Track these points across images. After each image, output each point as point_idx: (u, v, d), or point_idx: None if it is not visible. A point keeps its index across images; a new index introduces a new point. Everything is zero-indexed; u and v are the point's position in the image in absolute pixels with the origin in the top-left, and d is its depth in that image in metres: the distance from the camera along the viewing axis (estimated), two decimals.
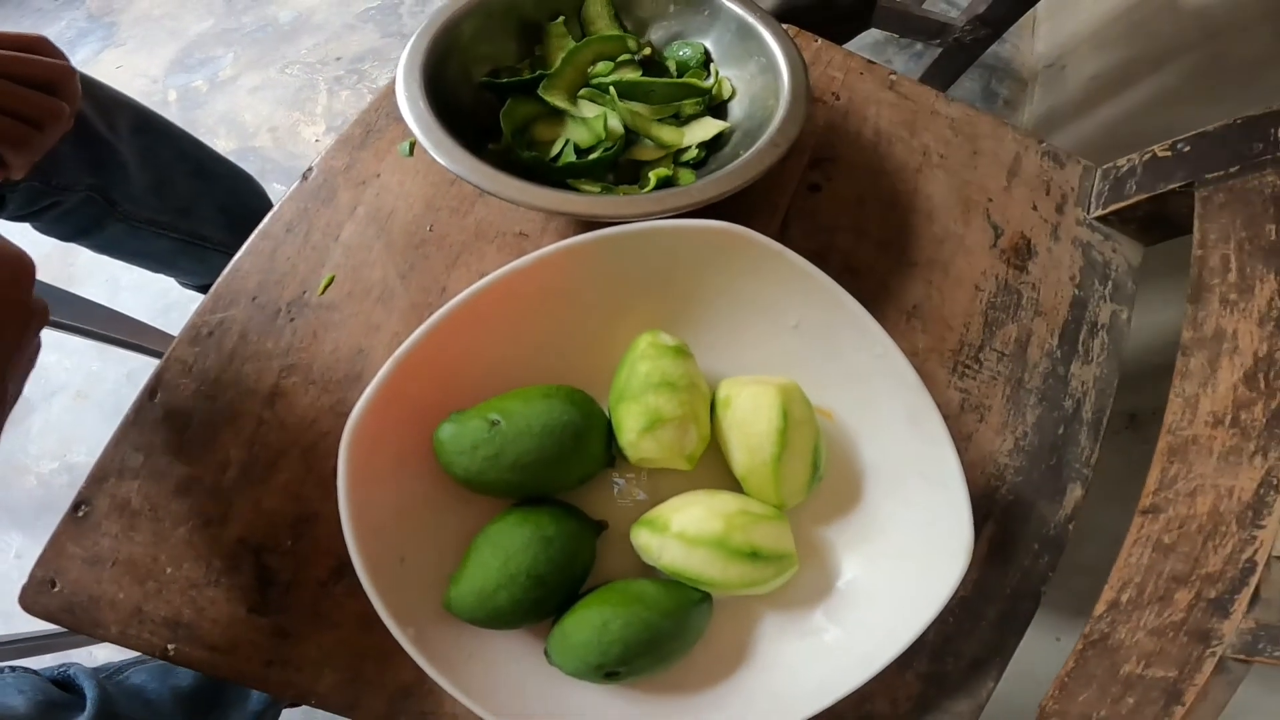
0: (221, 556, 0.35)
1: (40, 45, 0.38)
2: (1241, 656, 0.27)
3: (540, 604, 0.29)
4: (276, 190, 0.94)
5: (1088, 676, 0.32)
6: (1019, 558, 0.40)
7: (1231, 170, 0.38)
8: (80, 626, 0.36)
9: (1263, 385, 0.30)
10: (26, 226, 0.57)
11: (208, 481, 0.35)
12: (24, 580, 0.36)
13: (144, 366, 0.97)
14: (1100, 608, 0.32)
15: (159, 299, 1.00)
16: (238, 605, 0.36)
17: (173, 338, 0.38)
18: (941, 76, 0.97)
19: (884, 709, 0.38)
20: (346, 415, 0.33)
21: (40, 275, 0.29)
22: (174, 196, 0.58)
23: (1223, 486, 0.29)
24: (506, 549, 0.29)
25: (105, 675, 0.52)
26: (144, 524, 0.35)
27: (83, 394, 0.98)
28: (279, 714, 0.66)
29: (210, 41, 1.27)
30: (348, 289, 0.37)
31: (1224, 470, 0.29)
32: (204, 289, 0.79)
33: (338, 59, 1.22)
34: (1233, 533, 0.28)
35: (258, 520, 0.35)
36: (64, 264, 1.02)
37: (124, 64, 1.27)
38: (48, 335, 0.32)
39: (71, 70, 0.39)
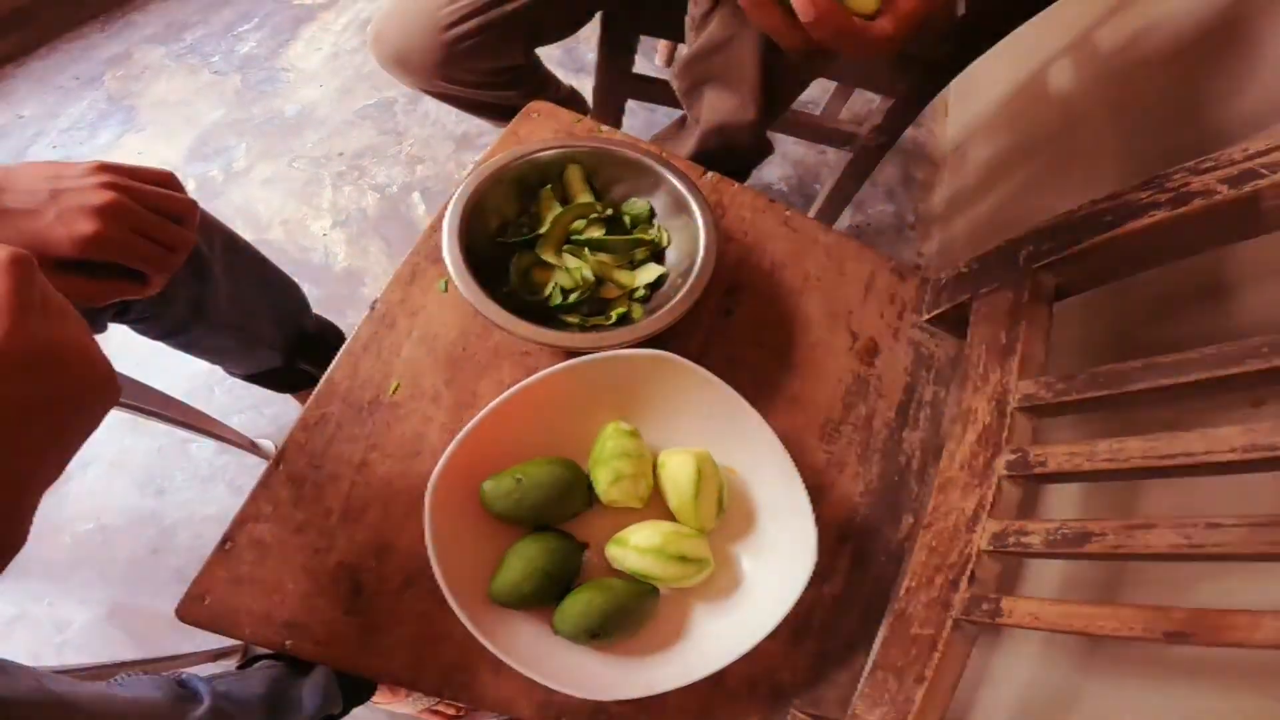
0: (326, 575, 0.52)
1: (171, 181, 0.45)
2: (966, 618, 0.45)
3: (549, 592, 0.47)
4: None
5: (894, 638, 0.50)
6: (873, 567, 0.58)
7: (991, 287, 0.57)
8: (222, 629, 0.51)
9: (987, 444, 0.49)
10: (123, 327, 0.72)
11: (317, 524, 0.52)
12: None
13: (173, 442, 1.10)
14: (900, 592, 0.51)
15: (185, 380, 1.14)
16: (336, 610, 0.52)
17: (200, 412, 0.53)
18: (858, 171, 1.18)
19: (787, 678, 0.56)
20: (413, 479, 0.50)
21: None
22: (245, 303, 0.73)
23: (961, 509, 0.48)
24: (528, 556, 0.46)
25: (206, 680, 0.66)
26: (272, 554, 0.51)
27: (116, 464, 1.10)
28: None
29: (224, 131, 1.43)
30: (409, 392, 0.55)
31: (962, 498, 0.48)
32: (248, 377, 0.94)
33: (340, 154, 1.39)
34: (962, 537, 0.47)
35: (351, 549, 0.52)
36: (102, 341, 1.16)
37: (145, 150, 1.41)
38: None
39: (195, 205, 0.45)
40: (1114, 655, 0.54)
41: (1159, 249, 0.45)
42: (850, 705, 0.52)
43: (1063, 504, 0.62)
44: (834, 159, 1.22)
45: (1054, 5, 0.77)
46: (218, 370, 0.94)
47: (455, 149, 1.41)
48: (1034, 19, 0.77)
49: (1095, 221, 0.46)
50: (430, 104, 1.47)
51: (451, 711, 1.02)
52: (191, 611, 0.51)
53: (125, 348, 0.76)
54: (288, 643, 0.51)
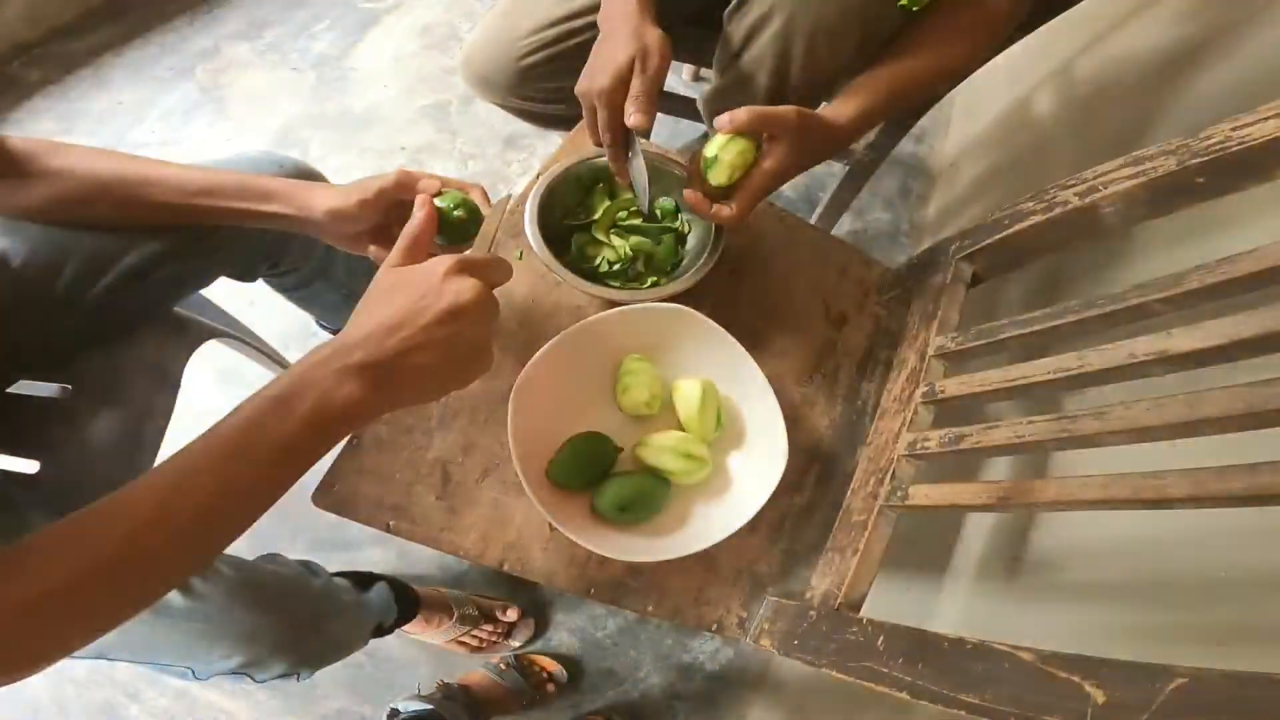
0: (425, 467, 0.70)
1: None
2: (887, 504, 0.63)
3: (591, 475, 0.65)
4: None
5: (841, 527, 0.68)
6: (834, 484, 0.76)
7: (929, 274, 0.75)
8: (343, 512, 0.66)
9: (911, 381, 0.67)
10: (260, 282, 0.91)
11: (421, 426, 0.70)
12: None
13: None
14: (849, 494, 0.69)
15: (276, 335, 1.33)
16: (430, 496, 0.69)
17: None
18: (854, 182, 1.35)
19: (764, 569, 0.74)
20: (493, 394, 0.68)
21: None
22: (353, 268, 0.93)
23: (891, 429, 0.66)
24: (578, 447, 0.65)
25: None
26: (386, 449, 0.69)
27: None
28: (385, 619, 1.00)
29: (301, 124, 1.62)
30: (497, 330, 0.73)
31: (892, 422, 0.66)
32: (333, 330, 1.13)
33: (402, 148, 1.58)
34: (890, 448, 0.65)
35: (445, 447, 0.70)
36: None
37: (233, 138, 1.61)
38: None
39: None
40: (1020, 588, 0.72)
41: (1037, 245, 0.63)
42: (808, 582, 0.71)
43: None
44: (838, 170, 1.39)
45: (1043, 36, 0.92)
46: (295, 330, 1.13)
47: (502, 148, 1.60)
48: (1029, 47, 0.93)
49: (997, 225, 0.64)
50: (481, 107, 1.65)
51: (474, 643, 1.19)
52: (324, 498, 0.66)
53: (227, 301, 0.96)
54: (391, 523, 0.68)
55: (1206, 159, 0.50)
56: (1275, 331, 0.42)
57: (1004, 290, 1.04)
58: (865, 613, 0.62)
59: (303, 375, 0.43)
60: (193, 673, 0.69)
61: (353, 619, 0.85)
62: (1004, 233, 0.63)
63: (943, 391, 0.62)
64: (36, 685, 1.17)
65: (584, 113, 0.68)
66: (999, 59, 0.88)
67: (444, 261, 0.47)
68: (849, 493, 0.68)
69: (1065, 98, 1.32)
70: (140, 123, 1.66)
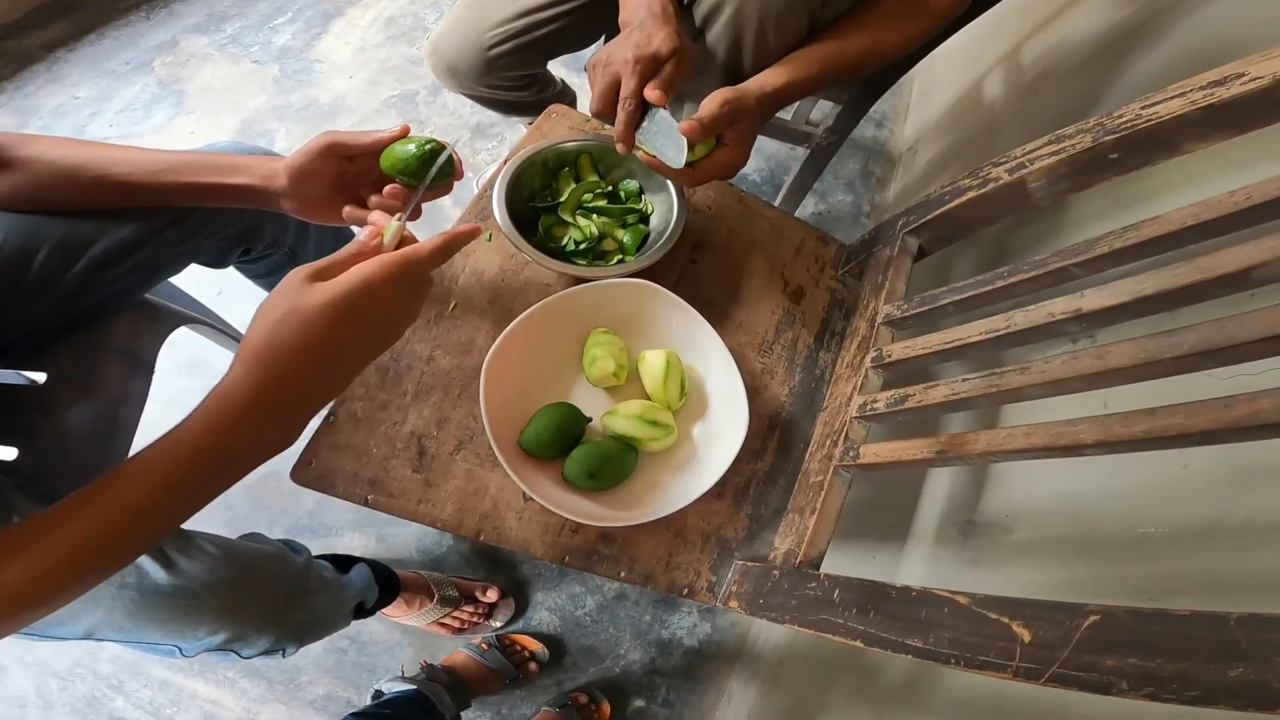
0: (400, 442, 0.72)
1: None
2: (841, 464, 0.67)
3: (561, 443, 0.68)
4: None
5: (800, 489, 0.73)
6: (794, 450, 0.80)
7: (879, 247, 0.80)
8: (323, 488, 0.68)
9: (862, 348, 0.71)
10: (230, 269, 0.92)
11: (396, 402, 0.73)
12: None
13: None
14: (806, 457, 0.73)
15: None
16: (406, 469, 0.72)
17: None
18: (815, 165, 1.40)
19: (731, 534, 0.77)
20: (466, 370, 0.71)
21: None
22: (322, 251, 0.94)
23: (844, 393, 0.70)
24: (548, 416, 0.68)
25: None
26: (362, 425, 0.72)
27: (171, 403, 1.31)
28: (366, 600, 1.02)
29: (266, 116, 1.62)
30: (463, 309, 0.76)
31: (845, 386, 0.70)
32: None
33: None
34: (843, 411, 0.69)
35: (419, 422, 0.73)
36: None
37: (195, 131, 1.60)
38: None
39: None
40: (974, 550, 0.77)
41: (974, 219, 0.67)
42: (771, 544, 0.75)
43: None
44: (801, 155, 1.43)
45: (991, 22, 0.97)
46: None
47: (471, 137, 1.61)
48: (977, 33, 0.98)
49: (938, 200, 0.69)
50: (448, 96, 1.67)
51: (455, 625, 1.21)
52: (302, 474, 0.68)
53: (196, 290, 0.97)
54: (369, 497, 0.70)
55: (1119, 135, 0.54)
56: (1175, 288, 0.46)
57: (956, 264, 1.09)
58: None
59: (215, 426, 0.45)
60: (180, 650, 0.71)
61: (334, 595, 0.87)
62: (945, 207, 0.67)
63: (889, 355, 0.67)
64: (21, 680, 1.17)
65: (595, 82, 0.69)
66: (951, 44, 0.92)
67: (371, 281, 0.48)
68: (807, 456, 0.73)
69: (1012, 82, 1.38)
70: (98, 116, 1.64)
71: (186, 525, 0.49)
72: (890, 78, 1.10)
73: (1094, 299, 0.49)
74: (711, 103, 0.66)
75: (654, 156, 0.69)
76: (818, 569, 0.68)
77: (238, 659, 0.75)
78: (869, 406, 0.66)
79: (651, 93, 0.65)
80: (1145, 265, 0.51)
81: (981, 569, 0.79)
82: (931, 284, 0.78)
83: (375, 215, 0.62)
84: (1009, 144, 1.13)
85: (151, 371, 0.79)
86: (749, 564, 0.74)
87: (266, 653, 0.77)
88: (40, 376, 0.73)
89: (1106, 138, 0.55)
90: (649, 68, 0.66)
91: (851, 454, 0.66)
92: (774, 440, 0.79)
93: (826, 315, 0.84)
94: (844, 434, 0.67)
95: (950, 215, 0.68)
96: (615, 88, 0.67)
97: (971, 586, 0.82)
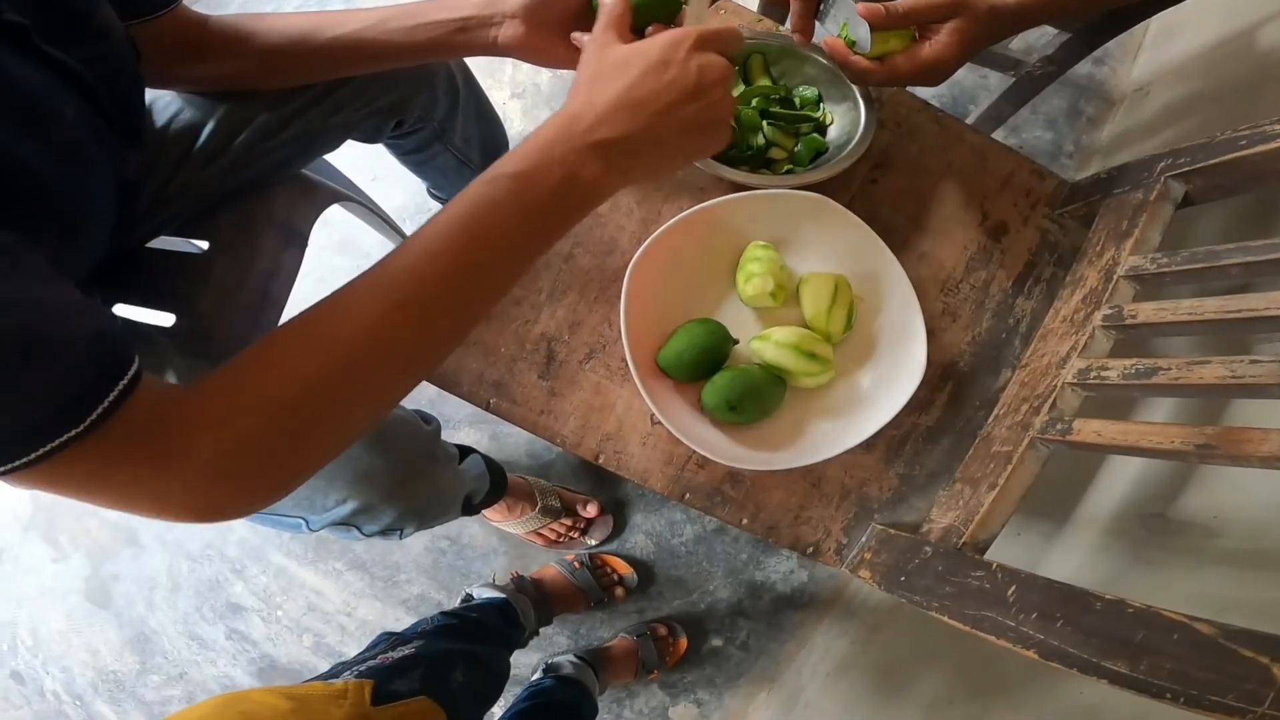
0: (530, 343, 0.68)
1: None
2: (1042, 437, 0.55)
3: (702, 365, 0.60)
4: None
5: (976, 457, 0.61)
6: (966, 408, 0.68)
7: (1124, 189, 0.64)
8: (445, 385, 0.66)
9: (1089, 302, 0.57)
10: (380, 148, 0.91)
11: (530, 299, 0.68)
12: None
13: None
14: (990, 420, 0.61)
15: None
16: (532, 374, 0.67)
17: None
18: (1018, 95, 1.20)
19: (874, 492, 0.68)
20: (606, 272, 0.64)
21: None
22: (467, 131, 0.91)
23: (1055, 352, 0.57)
24: (691, 333, 0.60)
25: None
26: (494, 321, 0.67)
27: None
28: None
29: None
30: (609, 207, 0.69)
31: (1058, 344, 0.57)
32: (444, 199, 1.13)
33: None
34: (1052, 373, 0.56)
35: (551, 323, 0.68)
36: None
37: None
38: None
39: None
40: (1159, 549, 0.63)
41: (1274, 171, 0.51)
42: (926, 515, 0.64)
43: None
44: (995, 83, 1.23)
45: None
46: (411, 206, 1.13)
47: None
48: None
49: (1230, 144, 0.52)
50: None
51: (552, 536, 1.20)
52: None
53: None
54: (491, 400, 0.67)
55: None
56: None
57: (1196, 222, 0.89)
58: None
59: (542, 151, 0.42)
60: (306, 524, 0.72)
61: (454, 475, 0.87)
62: (1236, 153, 0.51)
63: (1133, 316, 0.52)
64: (156, 560, 1.30)
65: None
66: None
67: (682, 37, 0.44)
68: (991, 419, 0.61)
69: None
70: None
71: None
72: (1146, 10, 0.89)
73: None
74: None
75: (837, 44, 0.59)
76: (984, 555, 0.57)
77: (358, 536, 0.75)
78: (1094, 374, 0.53)
79: None
80: None
81: (1162, 572, 0.65)
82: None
83: None
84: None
85: (304, 246, 0.80)
86: (891, 531, 0.64)
87: (386, 531, 0.77)
88: (204, 245, 0.75)
89: None
90: None
91: (1059, 426, 0.53)
92: (945, 393, 0.68)
93: (1033, 258, 0.70)
94: (1050, 401, 0.55)
95: (1244, 163, 0.52)
96: None
97: (1142, 589, 0.68)
